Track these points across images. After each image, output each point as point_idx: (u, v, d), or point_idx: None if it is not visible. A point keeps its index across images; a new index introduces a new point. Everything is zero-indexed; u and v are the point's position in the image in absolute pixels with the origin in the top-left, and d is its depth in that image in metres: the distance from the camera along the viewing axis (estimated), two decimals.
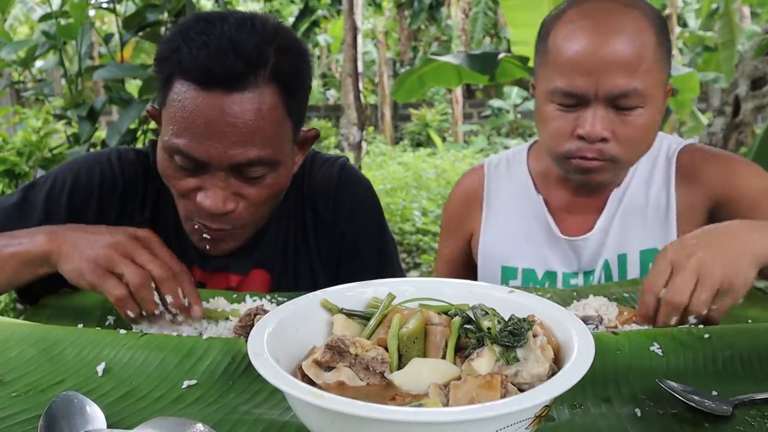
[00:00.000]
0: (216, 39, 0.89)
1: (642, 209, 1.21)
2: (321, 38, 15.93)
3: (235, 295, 1.00)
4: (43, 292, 1.03)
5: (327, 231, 1.18)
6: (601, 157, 1.09)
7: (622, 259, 1.20)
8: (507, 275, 1.29)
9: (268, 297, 1.00)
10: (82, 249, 0.86)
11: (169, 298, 0.85)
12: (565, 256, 1.25)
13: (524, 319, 0.59)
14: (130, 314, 0.85)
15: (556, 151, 1.14)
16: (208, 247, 1.01)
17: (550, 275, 1.25)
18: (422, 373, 0.56)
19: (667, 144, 1.26)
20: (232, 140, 0.90)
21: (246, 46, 0.89)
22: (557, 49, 1.10)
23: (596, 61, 1.04)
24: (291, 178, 1.04)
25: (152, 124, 3.05)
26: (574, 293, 1.00)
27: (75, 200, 1.07)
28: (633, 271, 1.19)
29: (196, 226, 0.99)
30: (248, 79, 0.89)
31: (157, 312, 0.86)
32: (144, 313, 0.86)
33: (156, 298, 0.85)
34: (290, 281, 1.15)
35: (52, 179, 1.09)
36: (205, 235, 0.99)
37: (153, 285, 0.85)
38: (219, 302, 0.93)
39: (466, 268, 1.39)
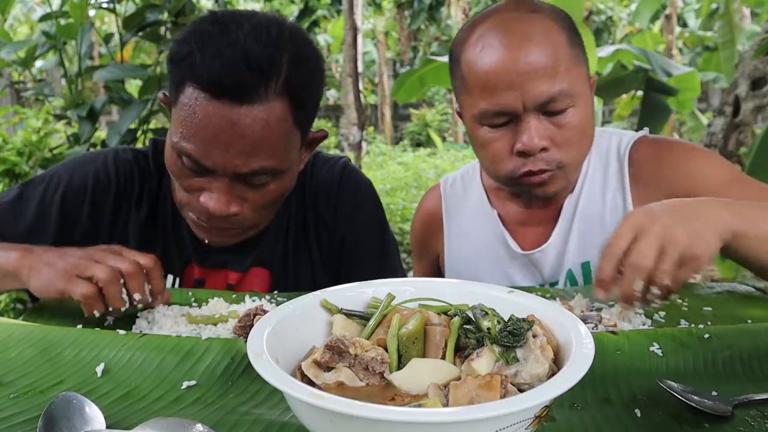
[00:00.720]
0: (229, 48, 0.88)
1: (599, 215, 1.16)
2: (321, 38, 15.93)
3: (234, 296, 1.00)
4: None
5: (328, 230, 1.18)
6: (548, 167, 1.07)
7: (585, 267, 1.16)
8: None
9: (268, 297, 1.00)
10: (52, 263, 0.88)
11: (136, 296, 0.87)
12: (526, 271, 1.22)
13: (524, 319, 0.59)
14: (96, 314, 0.86)
15: (499, 174, 1.11)
16: (207, 240, 1.03)
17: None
18: (422, 373, 0.56)
19: (616, 141, 1.21)
20: (238, 150, 0.91)
21: (259, 57, 0.89)
22: (472, 71, 1.07)
23: (515, 73, 1.02)
24: (296, 179, 1.05)
25: (152, 124, 3.06)
26: (579, 294, 1.00)
27: (67, 201, 1.09)
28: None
29: (195, 218, 1.01)
30: (258, 92, 0.89)
31: (122, 309, 0.87)
32: (110, 309, 0.87)
33: (124, 294, 0.86)
34: (290, 280, 1.15)
35: (48, 178, 1.10)
36: (206, 226, 1.01)
37: (121, 281, 0.86)
38: (218, 305, 0.92)
39: None
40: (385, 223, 1.25)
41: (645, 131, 1.23)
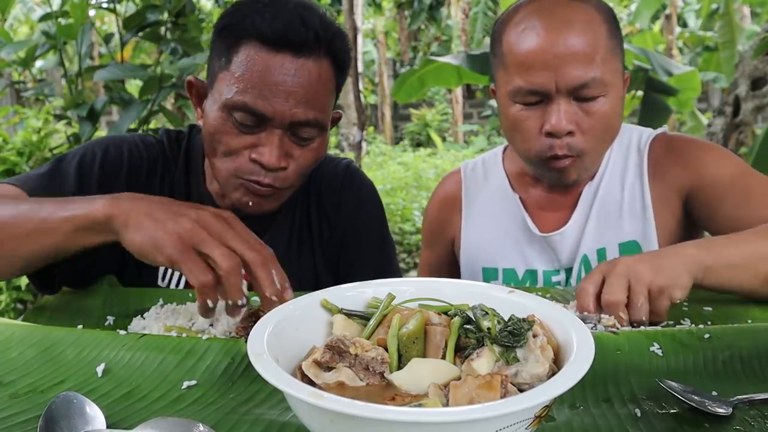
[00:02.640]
0: (286, 11, 0.99)
1: (617, 203, 1.21)
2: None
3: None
4: (61, 280, 1.02)
5: (330, 225, 1.22)
6: (571, 153, 1.10)
7: (601, 253, 1.20)
8: (488, 276, 1.30)
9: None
10: (158, 218, 0.79)
11: (267, 287, 0.78)
12: (543, 254, 1.26)
13: (524, 319, 0.59)
14: (210, 304, 0.77)
15: (529, 152, 1.14)
16: (250, 203, 1.05)
17: (531, 274, 1.26)
18: (422, 373, 0.56)
19: (637, 135, 1.26)
20: (297, 99, 0.99)
21: (313, 20, 1.00)
22: (512, 49, 1.10)
23: (552, 55, 1.05)
24: (325, 153, 1.11)
25: (152, 124, 3.06)
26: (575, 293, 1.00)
27: (106, 172, 1.09)
28: None
29: (240, 183, 1.03)
30: (314, 49, 0.99)
31: (240, 303, 0.77)
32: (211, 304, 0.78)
33: (244, 286, 0.78)
34: (293, 272, 1.16)
35: (81, 153, 1.10)
36: (254, 187, 1.02)
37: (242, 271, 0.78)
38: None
39: (448, 272, 1.40)
40: (384, 224, 1.28)
41: (664, 128, 1.28)
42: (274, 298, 0.78)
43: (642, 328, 0.85)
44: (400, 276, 1.26)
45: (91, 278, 1.11)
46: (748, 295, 0.95)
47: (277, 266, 0.81)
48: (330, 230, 1.22)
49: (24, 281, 3.11)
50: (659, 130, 1.27)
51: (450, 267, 1.40)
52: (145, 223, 0.79)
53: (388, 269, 1.25)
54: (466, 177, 1.38)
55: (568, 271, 1.24)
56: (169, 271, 1.13)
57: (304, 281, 1.18)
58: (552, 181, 1.20)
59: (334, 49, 1.03)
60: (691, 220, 1.19)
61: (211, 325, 0.86)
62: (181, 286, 1.13)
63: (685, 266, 0.88)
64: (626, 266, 0.86)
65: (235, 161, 1.02)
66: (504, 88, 1.14)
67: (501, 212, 1.30)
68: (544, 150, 1.11)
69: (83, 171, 1.08)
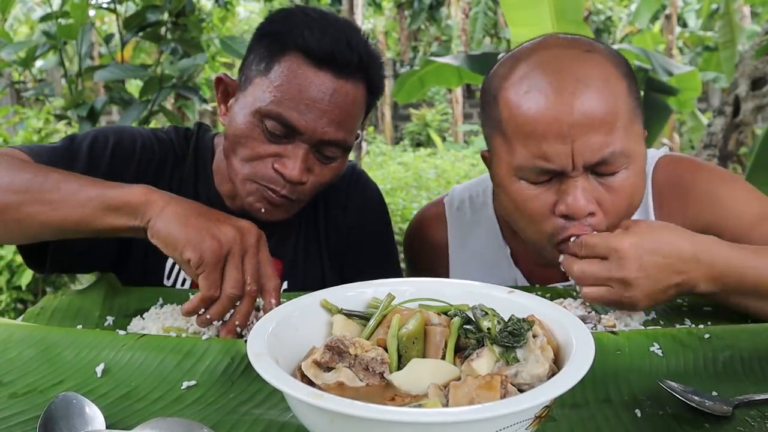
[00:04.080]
0: (334, 29, 1.00)
1: None
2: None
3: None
4: (53, 262, 1.02)
5: (336, 229, 1.23)
6: (589, 232, 0.90)
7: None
8: None
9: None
10: (202, 215, 0.81)
11: (237, 318, 0.82)
12: None
13: (524, 320, 0.59)
14: (198, 312, 0.81)
15: (536, 235, 0.95)
16: (263, 210, 1.05)
17: None
18: (422, 373, 0.56)
19: None
20: (331, 119, 0.99)
21: (358, 43, 1.01)
22: (514, 115, 0.90)
23: (567, 124, 0.86)
24: (341, 173, 1.12)
25: (152, 124, 3.06)
26: (575, 292, 0.99)
27: (116, 158, 1.08)
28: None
29: (256, 188, 1.03)
30: (354, 72, 1.01)
31: (215, 324, 0.82)
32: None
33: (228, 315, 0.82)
34: (300, 271, 1.20)
35: (93, 136, 1.09)
36: (269, 195, 1.02)
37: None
38: None
39: None
40: (389, 228, 1.30)
41: (665, 150, 1.14)
42: (237, 329, 0.82)
43: (642, 323, 0.85)
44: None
45: (84, 266, 1.10)
46: (755, 315, 0.88)
47: (278, 297, 0.84)
48: (336, 233, 1.23)
49: (25, 281, 3.12)
50: (660, 153, 1.12)
51: None
52: (188, 218, 0.81)
53: (390, 271, 1.26)
54: (452, 219, 1.22)
55: None
56: (176, 269, 1.13)
57: (311, 282, 1.19)
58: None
59: (371, 75, 1.04)
60: None
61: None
62: (187, 285, 1.13)
63: (684, 292, 0.85)
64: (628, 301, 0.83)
65: (256, 166, 1.02)
66: (504, 160, 0.94)
67: (490, 264, 1.17)
68: (557, 232, 0.91)
69: (95, 153, 1.06)
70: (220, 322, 0.82)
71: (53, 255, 1.01)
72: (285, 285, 1.19)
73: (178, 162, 1.16)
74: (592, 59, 0.90)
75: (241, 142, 1.02)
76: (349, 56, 0.99)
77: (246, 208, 1.06)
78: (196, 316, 0.82)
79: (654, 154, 1.11)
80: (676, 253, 0.82)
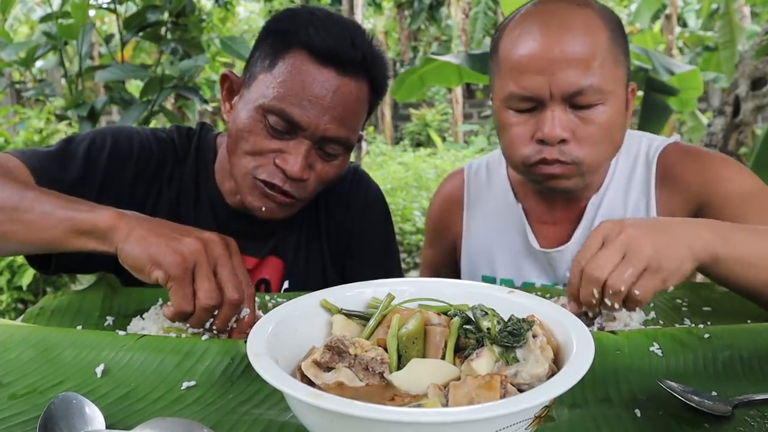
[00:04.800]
0: (339, 28, 1.01)
1: (621, 216, 1.12)
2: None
3: None
4: (57, 264, 1.03)
5: (337, 227, 1.25)
6: (563, 159, 1.03)
7: None
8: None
9: (268, 297, 1.00)
10: (163, 234, 0.81)
11: (218, 323, 0.82)
12: (541, 268, 1.22)
13: (524, 320, 0.59)
14: (160, 314, 0.82)
15: (515, 158, 1.08)
16: (263, 208, 1.05)
17: (528, 286, 1.22)
18: (421, 373, 0.56)
19: (646, 144, 1.20)
20: (333, 115, 1.00)
21: (362, 41, 1.03)
22: (507, 54, 1.06)
23: (547, 59, 1.00)
24: (344, 172, 1.12)
25: (152, 125, 3.06)
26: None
27: (113, 160, 1.09)
28: None
29: (257, 185, 1.03)
30: (358, 70, 1.02)
31: (191, 330, 0.83)
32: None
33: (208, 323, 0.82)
34: (301, 271, 1.21)
35: (91, 138, 1.09)
36: (270, 193, 1.03)
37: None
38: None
39: (450, 274, 1.38)
40: (391, 229, 1.30)
41: (676, 137, 1.21)
42: (214, 331, 0.82)
43: (641, 323, 0.85)
44: (402, 277, 1.27)
45: (88, 267, 1.11)
46: (750, 294, 0.90)
47: (253, 305, 0.84)
48: (337, 232, 1.24)
49: (26, 281, 3.12)
50: (671, 139, 1.20)
51: (451, 267, 1.39)
52: (149, 238, 0.80)
53: (391, 269, 1.27)
54: (470, 180, 1.35)
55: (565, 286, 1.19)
56: None
57: (312, 282, 1.20)
58: (544, 188, 1.12)
59: (374, 74, 1.05)
60: None
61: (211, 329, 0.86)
62: None
63: (693, 253, 0.80)
64: (628, 238, 0.78)
65: (257, 161, 1.02)
66: (498, 93, 1.09)
67: (503, 222, 1.27)
68: (531, 155, 1.05)
69: (91, 156, 1.07)
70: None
71: (58, 256, 1.01)
72: (286, 284, 1.19)
73: (179, 161, 1.16)
74: (580, 11, 1.03)
75: (243, 138, 1.02)
76: (352, 54, 1.00)
77: (246, 205, 1.06)
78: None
79: (663, 141, 1.19)
80: (653, 219, 0.88)
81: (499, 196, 1.29)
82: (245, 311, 0.83)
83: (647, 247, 0.78)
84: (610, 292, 0.78)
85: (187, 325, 0.85)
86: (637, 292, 0.78)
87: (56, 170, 1.02)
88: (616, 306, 0.80)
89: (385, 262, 1.27)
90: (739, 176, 1.10)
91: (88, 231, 0.84)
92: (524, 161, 1.06)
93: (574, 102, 1.02)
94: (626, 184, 1.18)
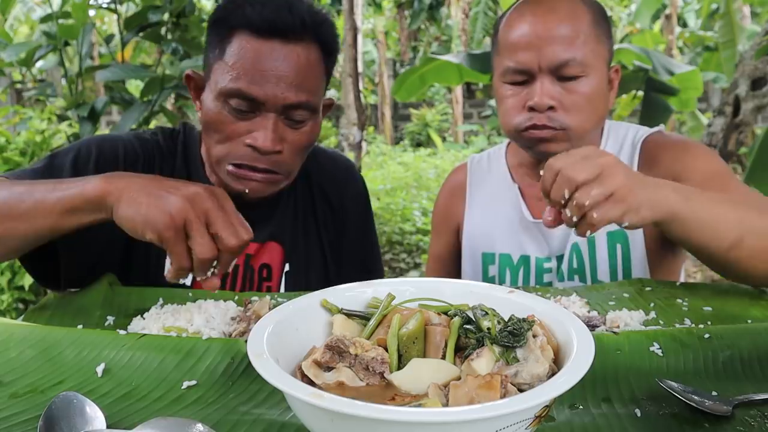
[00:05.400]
0: (274, 2, 1.05)
1: None
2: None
3: (236, 297, 1.00)
4: (66, 279, 1.05)
5: (333, 214, 1.30)
6: (552, 125, 1.17)
7: (590, 241, 1.25)
8: (486, 261, 1.36)
9: (268, 297, 1.00)
10: (152, 194, 0.82)
11: (221, 268, 0.85)
12: (536, 241, 1.31)
13: (524, 319, 0.59)
14: (180, 280, 0.85)
15: (509, 125, 1.22)
16: (247, 190, 1.09)
17: (525, 260, 1.32)
18: (422, 373, 0.56)
19: (633, 132, 1.32)
20: (288, 83, 1.04)
21: (300, 9, 1.06)
22: (504, 36, 1.22)
23: (536, 37, 1.16)
24: (318, 136, 1.16)
25: (152, 125, 3.06)
26: (575, 293, 1.00)
27: (101, 168, 1.09)
28: (601, 253, 1.24)
29: (230, 168, 1.07)
30: (301, 35, 1.05)
31: (199, 278, 0.85)
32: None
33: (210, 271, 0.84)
34: (301, 254, 1.25)
35: (76, 149, 1.12)
36: (248, 173, 1.07)
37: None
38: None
39: (456, 264, 1.45)
40: (374, 222, 1.39)
41: (661, 127, 1.33)
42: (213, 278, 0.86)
43: (642, 323, 0.85)
44: (382, 266, 1.39)
45: (96, 277, 1.11)
46: (705, 258, 0.97)
47: (240, 251, 0.85)
48: (333, 218, 1.29)
49: (27, 281, 3.12)
50: (655, 129, 1.32)
51: (457, 258, 1.45)
52: (139, 198, 0.82)
53: (373, 253, 1.36)
54: (472, 169, 1.47)
55: (560, 258, 1.28)
56: None
57: (313, 264, 1.25)
58: (536, 153, 1.25)
59: (321, 35, 1.08)
60: None
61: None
62: (188, 282, 1.13)
63: (656, 203, 0.87)
64: (607, 163, 0.85)
65: (230, 147, 1.07)
66: (497, 70, 1.25)
67: (501, 201, 1.37)
68: (522, 122, 1.19)
69: (78, 166, 1.09)
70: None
71: (65, 275, 1.04)
72: (287, 267, 1.22)
73: (165, 159, 1.20)
74: (568, 0, 1.19)
75: (213, 127, 1.07)
76: (291, 21, 1.04)
77: (231, 192, 1.07)
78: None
79: (648, 130, 1.32)
80: (647, 176, 0.93)
81: (497, 179, 1.41)
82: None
83: (620, 177, 0.84)
84: (575, 203, 0.84)
85: (189, 324, 0.85)
86: (594, 215, 0.83)
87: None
88: (574, 219, 0.85)
89: (369, 256, 1.34)
90: (707, 158, 1.22)
91: (81, 206, 0.85)
92: (517, 127, 1.21)
93: (560, 74, 1.16)
94: None
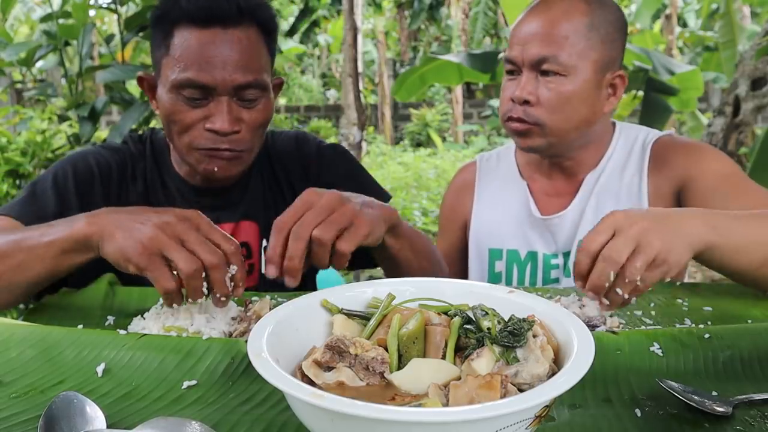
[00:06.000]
0: None
1: (615, 192, 1.29)
2: (321, 38, 15.93)
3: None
4: (48, 289, 1.04)
5: (304, 184, 1.27)
6: (526, 119, 1.22)
7: None
8: (493, 257, 1.38)
9: (268, 296, 1.00)
10: (127, 229, 0.84)
11: (216, 289, 0.83)
12: (543, 237, 1.33)
13: (524, 319, 0.59)
14: (174, 306, 0.85)
15: (501, 114, 1.29)
16: (216, 168, 1.13)
17: (532, 256, 1.34)
18: (422, 373, 0.56)
19: (644, 134, 1.34)
20: (234, 66, 1.08)
21: None
22: (511, 30, 1.29)
23: (524, 33, 1.22)
24: (272, 113, 1.19)
25: (152, 125, 3.06)
26: (574, 293, 1.00)
27: (80, 186, 1.17)
28: None
29: (202, 155, 1.12)
30: (238, 20, 1.09)
31: (200, 301, 0.84)
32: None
33: (204, 288, 0.83)
34: None
35: (53, 173, 1.18)
36: (215, 153, 1.11)
37: (203, 273, 0.82)
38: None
39: (463, 262, 1.45)
40: (356, 162, 1.40)
41: (671, 131, 1.37)
42: (223, 298, 0.85)
43: (641, 320, 0.85)
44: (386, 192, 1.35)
45: (93, 278, 1.12)
46: (737, 278, 0.96)
47: (238, 260, 0.86)
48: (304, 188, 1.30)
49: None
50: (666, 132, 1.34)
51: (463, 256, 1.46)
52: (115, 233, 0.85)
53: (368, 180, 1.35)
54: (481, 166, 1.49)
55: (566, 255, 1.30)
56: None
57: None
58: (518, 146, 1.31)
59: (258, 17, 1.12)
60: None
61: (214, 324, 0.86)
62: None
63: (691, 244, 0.86)
64: (640, 230, 0.83)
65: (191, 135, 1.11)
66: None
67: (509, 197, 1.39)
68: (506, 112, 1.26)
69: (59, 189, 1.15)
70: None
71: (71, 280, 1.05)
72: (264, 242, 1.25)
73: (137, 163, 1.26)
74: (569, 1, 1.22)
75: (171, 120, 1.11)
76: (227, 7, 1.08)
77: (203, 174, 1.15)
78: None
79: (659, 132, 1.34)
80: (659, 210, 0.92)
81: (506, 176, 1.43)
82: (233, 268, 0.84)
83: (657, 242, 0.82)
84: (626, 281, 0.81)
85: (190, 324, 0.85)
86: (640, 285, 0.82)
87: (37, 209, 1.11)
88: (625, 296, 0.83)
89: (359, 181, 1.33)
90: (718, 160, 1.23)
91: (72, 247, 0.89)
92: (502, 117, 1.28)
93: (541, 69, 1.20)
94: (623, 165, 1.31)
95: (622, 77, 1.26)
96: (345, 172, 1.33)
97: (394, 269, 1.10)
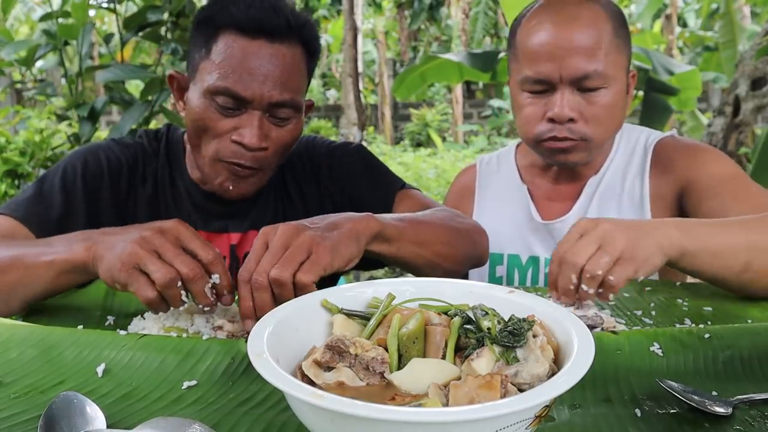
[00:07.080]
0: (260, 2, 1.08)
1: (618, 195, 1.28)
2: (321, 38, 15.92)
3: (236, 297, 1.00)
4: None
5: (319, 192, 1.29)
6: (572, 137, 1.18)
7: None
8: (494, 261, 1.36)
9: None
10: (109, 248, 0.85)
11: (198, 300, 0.82)
12: (545, 241, 1.31)
13: (524, 319, 0.59)
14: (161, 313, 0.85)
15: (529, 134, 1.23)
16: (231, 187, 1.13)
17: (534, 260, 1.32)
18: (422, 373, 0.56)
19: (645, 136, 1.33)
20: (274, 82, 1.07)
21: (284, 10, 1.09)
22: (523, 42, 1.20)
23: (557, 48, 1.15)
24: (300, 135, 1.19)
25: (152, 125, 3.06)
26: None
27: (89, 182, 1.16)
28: None
29: (223, 167, 1.11)
30: (286, 35, 1.08)
31: (182, 308, 0.83)
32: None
33: (184, 295, 0.82)
34: None
35: (62, 169, 1.17)
36: (236, 169, 1.10)
37: (180, 282, 0.81)
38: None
39: None
40: (372, 159, 1.39)
41: (673, 132, 1.34)
42: (206, 308, 0.84)
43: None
44: (400, 180, 1.34)
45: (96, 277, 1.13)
46: (719, 284, 0.96)
47: (219, 268, 0.83)
48: (318, 192, 1.29)
49: None
50: (668, 133, 1.32)
51: None
52: (105, 256, 0.84)
53: (387, 180, 1.34)
54: (481, 170, 1.48)
55: None
56: None
57: None
58: (554, 162, 1.26)
59: (305, 36, 1.11)
60: (683, 215, 1.23)
61: (215, 326, 0.86)
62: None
63: (662, 248, 0.87)
64: (603, 232, 0.85)
65: (218, 144, 1.09)
66: (515, 77, 1.24)
67: (509, 201, 1.38)
68: (543, 132, 1.20)
69: (67, 186, 1.14)
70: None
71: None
72: None
73: (149, 160, 1.24)
74: (586, 4, 1.17)
75: (200, 125, 1.09)
76: (277, 21, 1.06)
77: (216, 189, 1.14)
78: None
79: (661, 134, 1.33)
80: (644, 220, 0.98)
81: (506, 180, 1.42)
82: (215, 277, 0.83)
83: (621, 239, 0.84)
84: (588, 276, 0.83)
85: (190, 324, 0.85)
86: (611, 278, 0.83)
87: (41, 212, 1.10)
88: (591, 291, 0.84)
89: (383, 186, 1.32)
90: (719, 162, 1.22)
91: (70, 269, 0.89)
92: (537, 138, 1.21)
93: (581, 85, 1.16)
94: (624, 167, 1.30)
95: (634, 75, 1.26)
96: (356, 170, 1.31)
97: (406, 267, 1.05)
